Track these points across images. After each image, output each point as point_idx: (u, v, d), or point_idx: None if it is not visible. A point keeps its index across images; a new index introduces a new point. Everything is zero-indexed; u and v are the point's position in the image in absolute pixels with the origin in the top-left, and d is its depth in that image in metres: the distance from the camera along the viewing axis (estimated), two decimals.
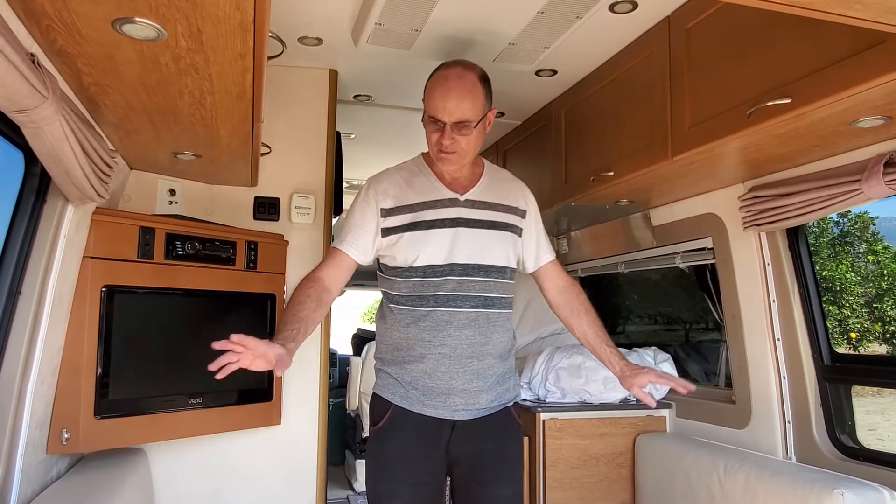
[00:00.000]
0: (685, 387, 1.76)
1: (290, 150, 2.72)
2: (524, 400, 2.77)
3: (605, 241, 3.33)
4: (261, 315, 2.48)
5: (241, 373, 1.46)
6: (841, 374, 2.17)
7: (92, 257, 1.94)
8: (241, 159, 2.25)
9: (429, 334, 1.79)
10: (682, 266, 2.83)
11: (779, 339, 2.30)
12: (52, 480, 1.87)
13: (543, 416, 2.64)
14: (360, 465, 4.63)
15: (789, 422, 2.27)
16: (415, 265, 1.81)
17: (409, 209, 1.83)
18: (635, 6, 2.10)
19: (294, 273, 2.59)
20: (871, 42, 1.41)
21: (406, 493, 1.78)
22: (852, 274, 6.48)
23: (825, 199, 1.95)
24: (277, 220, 2.70)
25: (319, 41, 2.46)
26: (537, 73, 2.66)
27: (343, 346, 6.40)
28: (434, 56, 2.45)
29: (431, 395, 1.80)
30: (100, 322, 1.96)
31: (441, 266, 1.80)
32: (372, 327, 7.64)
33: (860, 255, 6.49)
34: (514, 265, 1.93)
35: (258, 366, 1.46)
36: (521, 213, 1.96)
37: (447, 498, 1.96)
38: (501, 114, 3.18)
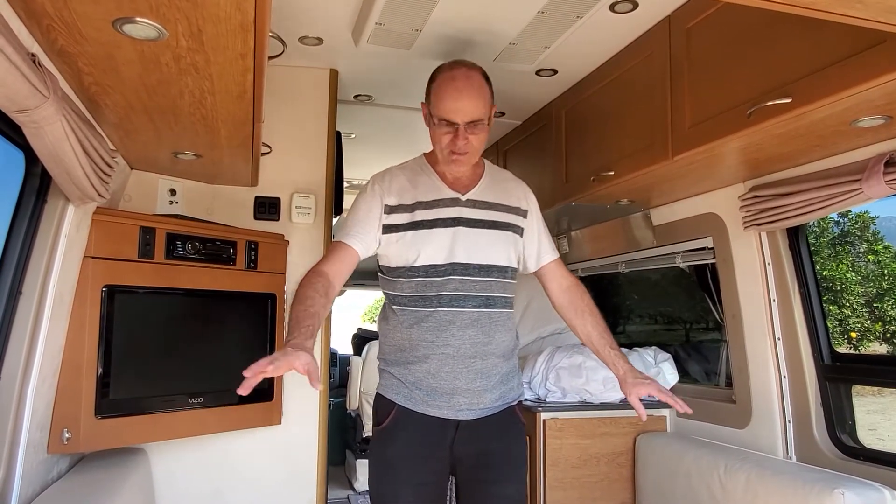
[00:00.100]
0: (683, 408, 1.74)
1: (290, 149, 2.72)
2: (525, 399, 2.77)
3: (605, 240, 3.33)
4: (261, 315, 2.48)
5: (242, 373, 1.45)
6: (841, 374, 2.17)
7: (93, 257, 1.94)
8: (242, 159, 2.25)
9: (432, 334, 1.80)
10: (682, 266, 2.83)
11: (779, 339, 2.30)
12: (53, 480, 1.87)
13: (544, 415, 2.63)
14: (361, 465, 4.63)
15: (790, 421, 2.27)
16: (416, 265, 1.81)
17: (411, 208, 1.84)
18: (635, 6, 2.10)
19: (294, 273, 2.59)
20: (872, 42, 1.40)
21: (410, 493, 1.78)
22: (853, 273, 6.48)
23: (825, 198, 1.95)
24: (278, 219, 2.70)
25: (320, 41, 2.46)
26: (538, 72, 2.66)
27: (343, 346, 6.41)
28: (434, 56, 2.45)
29: (435, 395, 1.80)
30: (100, 322, 1.96)
31: (442, 266, 1.81)
32: (372, 327, 7.65)
33: (860, 255, 6.50)
34: (515, 265, 1.93)
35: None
36: (523, 213, 1.97)
37: (450, 498, 1.96)
38: (501, 113, 3.18)
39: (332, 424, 3.35)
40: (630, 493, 2.69)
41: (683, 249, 2.77)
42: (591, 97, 2.66)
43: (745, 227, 2.30)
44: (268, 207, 2.70)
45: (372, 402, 2.09)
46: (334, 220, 2.89)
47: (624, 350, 2.04)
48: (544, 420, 2.63)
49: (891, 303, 6.42)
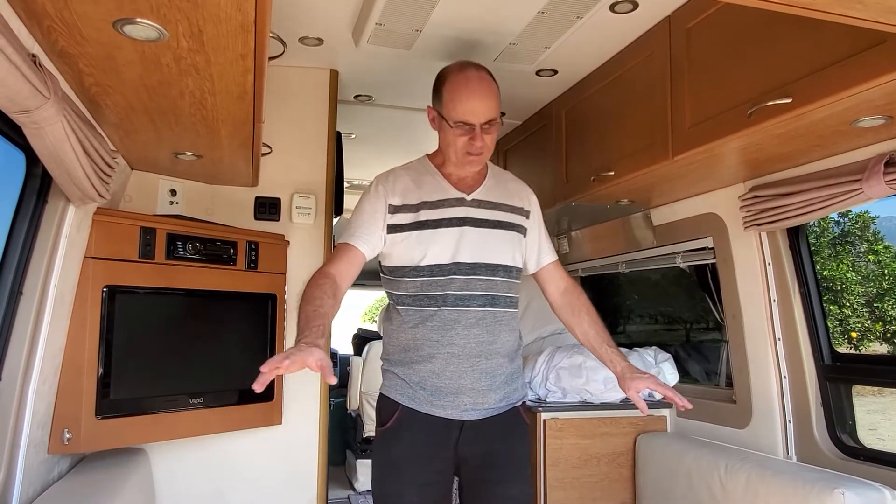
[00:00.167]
0: (683, 403, 1.75)
1: (290, 150, 2.73)
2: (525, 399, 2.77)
3: (605, 240, 3.33)
4: (261, 315, 2.48)
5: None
6: (842, 374, 2.17)
7: (93, 257, 1.94)
8: (242, 159, 2.25)
9: (436, 334, 1.80)
10: (682, 266, 2.84)
11: (779, 339, 2.30)
12: (54, 480, 1.87)
13: (544, 415, 2.63)
14: (361, 465, 4.63)
15: (790, 421, 2.27)
16: (422, 264, 1.81)
17: (416, 208, 1.84)
18: (636, 6, 2.10)
19: (295, 273, 2.59)
20: (872, 42, 1.41)
21: (414, 493, 1.78)
22: (853, 273, 6.48)
23: (826, 198, 1.95)
24: (278, 220, 2.70)
25: (320, 41, 2.46)
26: (538, 72, 2.67)
27: (344, 346, 6.41)
28: (435, 56, 2.45)
29: (440, 395, 1.80)
30: (101, 322, 1.96)
31: (447, 265, 1.81)
32: (372, 327, 7.65)
33: (861, 255, 6.50)
34: (519, 265, 1.94)
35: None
36: (526, 214, 1.98)
37: (455, 498, 1.96)
38: (502, 113, 3.17)
39: (333, 424, 3.35)
40: (630, 493, 2.69)
41: (683, 249, 2.77)
42: (591, 97, 2.67)
43: (746, 227, 2.30)
44: (268, 208, 2.70)
45: (372, 402, 2.09)
46: (335, 221, 2.89)
47: (624, 350, 2.04)
48: (544, 420, 2.63)
49: (891, 303, 6.42)
